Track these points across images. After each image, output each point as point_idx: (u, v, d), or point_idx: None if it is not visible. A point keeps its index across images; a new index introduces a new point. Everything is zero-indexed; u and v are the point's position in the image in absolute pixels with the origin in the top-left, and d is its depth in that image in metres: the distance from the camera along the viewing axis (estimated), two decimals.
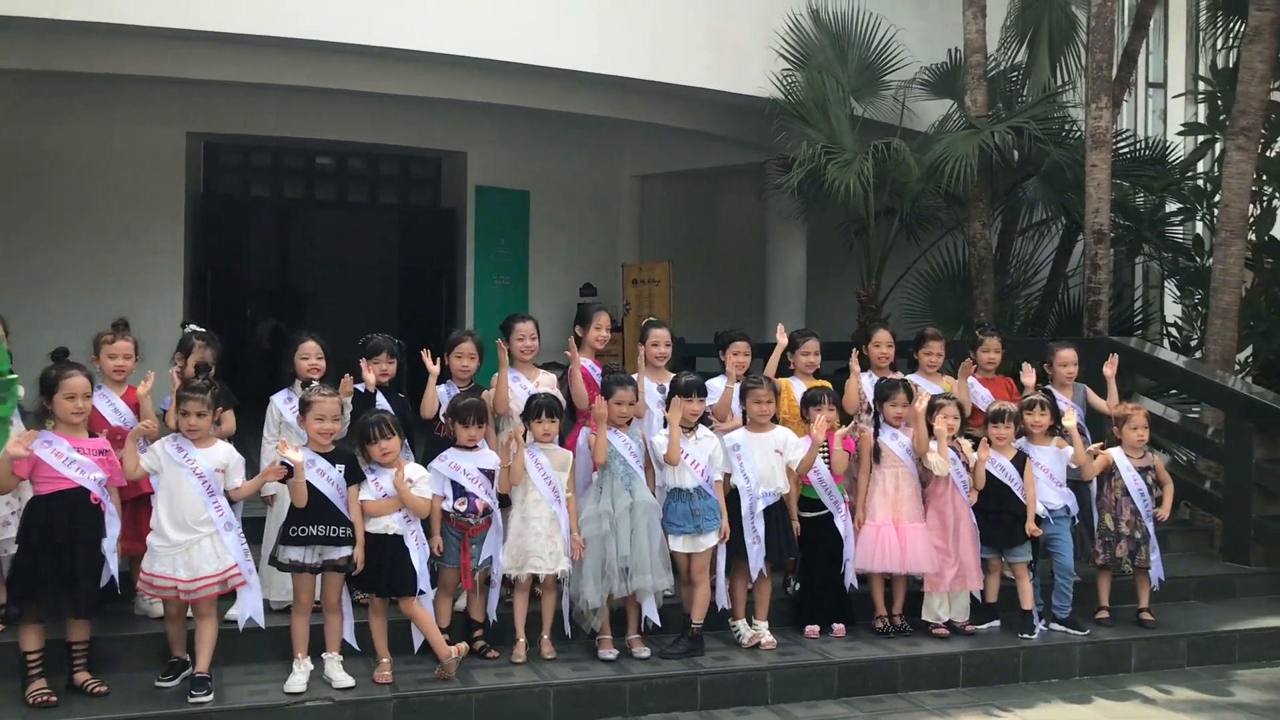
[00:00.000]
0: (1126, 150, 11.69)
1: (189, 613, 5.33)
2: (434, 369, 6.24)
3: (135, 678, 5.40)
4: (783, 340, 7.09)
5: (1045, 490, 6.69)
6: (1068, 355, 7.40)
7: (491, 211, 13.52)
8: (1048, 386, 7.26)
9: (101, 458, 5.20)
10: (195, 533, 5.18)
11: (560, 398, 6.26)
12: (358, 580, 5.50)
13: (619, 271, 13.76)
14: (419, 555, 5.50)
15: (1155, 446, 7.40)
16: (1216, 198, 10.13)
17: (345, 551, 5.37)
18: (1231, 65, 10.41)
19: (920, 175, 10.52)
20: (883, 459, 6.62)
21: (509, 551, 5.88)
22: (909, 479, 6.61)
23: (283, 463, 5.29)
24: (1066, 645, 6.54)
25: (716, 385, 6.69)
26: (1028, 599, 6.59)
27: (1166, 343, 11.45)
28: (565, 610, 6.06)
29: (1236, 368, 9.61)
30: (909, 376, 7.15)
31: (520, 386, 6.39)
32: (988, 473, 6.57)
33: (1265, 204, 10.49)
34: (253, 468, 5.70)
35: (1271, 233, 10.57)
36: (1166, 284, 12.18)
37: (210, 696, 5.14)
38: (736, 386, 6.58)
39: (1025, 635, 6.52)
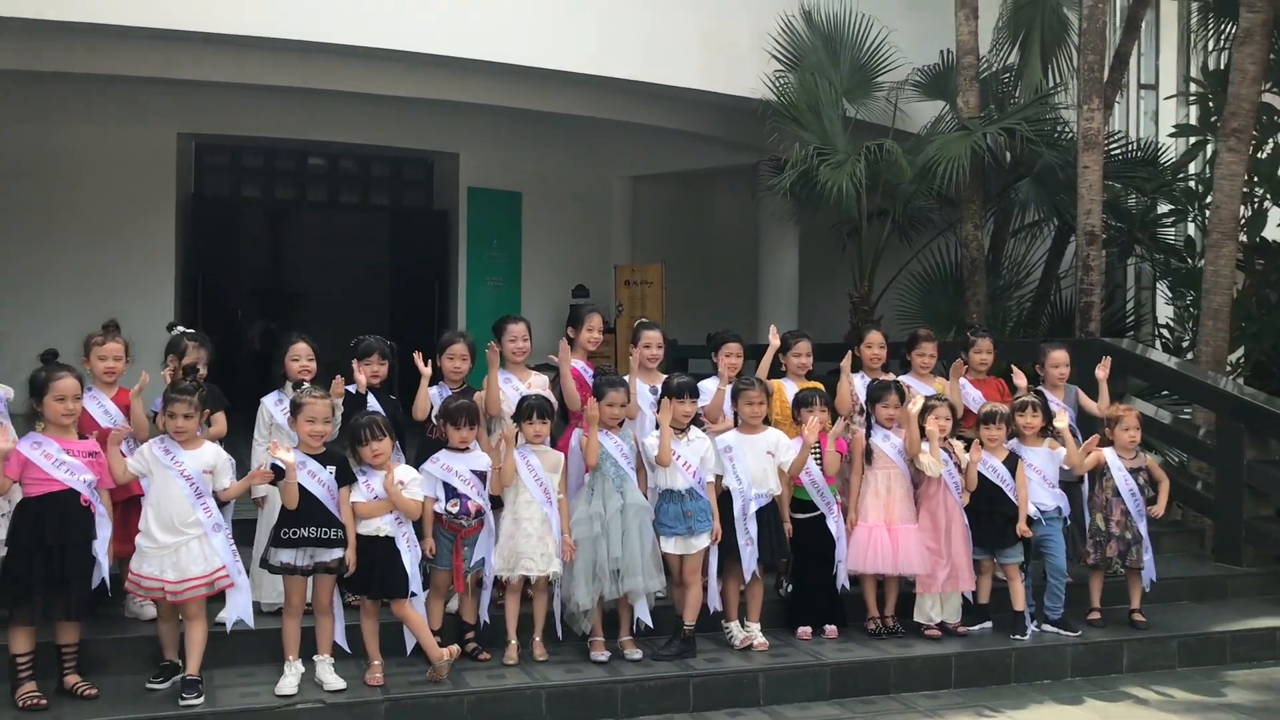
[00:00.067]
0: (1118, 152, 11.72)
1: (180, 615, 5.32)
2: (425, 370, 6.23)
3: (126, 680, 5.38)
4: (775, 342, 7.09)
5: (1037, 491, 6.69)
6: (1059, 356, 7.41)
7: (483, 213, 13.52)
8: (1039, 388, 7.27)
9: (91, 459, 5.18)
10: (183, 535, 5.16)
11: (552, 399, 6.26)
12: (349, 582, 5.48)
13: (611, 273, 13.76)
14: (410, 557, 5.49)
15: (1147, 448, 7.41)
16: (1208, 199, 10.14)
17: (336, 553, 5.36)
18: (1222, 67, 10.43)
19: (913, 176, 10.53)
20: (875, 460, 6.62)
21: (500, 553, 5.87)
22: (901, 480, 6.61)
23: (273, 465, 5.28)
24: (1058, 646, 6.54)
25: (708, 387, 6.69)
26: (1019, 600, 6.59)
27: (1158, 344, 11.47)
28: (557, 612, 6.06)
29: (1228, 369, 9.63)
30: (901, 378, 7.16)
31: (512, 388, 6.38)
32: (980, 474, 6.57)
33: (1256, 205, 10.50)
34: (244, 469, 5.69)
35: (1263, 234, 10.59)
36: (1158, 285, 12.20)
37: (201, 699, 5.12)
38: (728, 388, 6.57)
39: (1017, 636, 6.52)
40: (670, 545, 6.03)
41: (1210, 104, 10.74)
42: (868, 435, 6.67)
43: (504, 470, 5.83)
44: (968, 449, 6.61)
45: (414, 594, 5.51)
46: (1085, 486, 7.16)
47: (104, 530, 5.19)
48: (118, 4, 8.50)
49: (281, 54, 9.50)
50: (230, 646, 5.59)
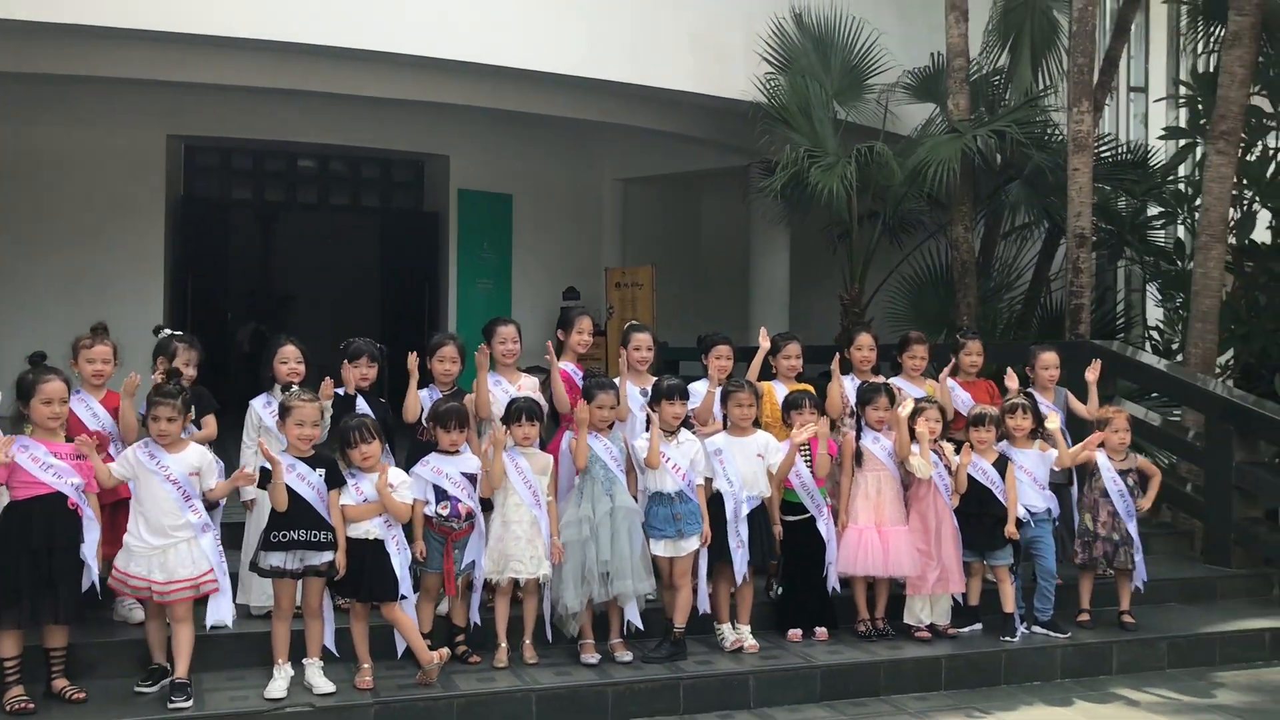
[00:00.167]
0: (1108, 154, 11.74)
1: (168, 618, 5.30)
2: (415, 371, 6.20)
3: (114, 684, 5.36)
4: (765, 344, 7.09)
5: (1027, 493, 6.70)
6: (1049, 358, 7.43)
7: (474, 215, 13.51)
8: (1029, 390, 7.28)
9: (79, 463, 5.16)
10: (172, 538, 5.17)
11: (541, 401, 6.26)
12: (339, 585, 5.47)
13: (602, 275, 13.75)
14: (400, 560, 5.47)
15: (1137, 449, 7.42)
16: (1197, 202, 10.17)
17: (326, 556, 5.34)
18: (1212, 70, 10.46)
19: (903, 179, 10.54)
20: (865, 462, 6.63)
21: (490, 556, 5.86)
22: (891, 482, 6.62)
23: (261, 468, 5.26)
24: (1048, 648, 6.55)
25: (698, 389, 6.69)
26: (1009, 602, 6.60)
27: (1148, 346, 11.49)
28: (547, 615, 6.04)
29: (1217, 371, 9.65)
30: (892, 380, 7.17)
31: (502, 390, 6.37)
32: (969, 476, 6.58)
33: (1245, 208, 10.53)
34: (232, 472, 5.66)
35: (1252, 236, 10.62)
36: (1148, 287, 12.22)
37: (190, 703, 5.10)
38: (718, 390, 6.57)
39: (1007, 638, 6.53)
40: (660, 548, 6.03)
41: (1199, 107, 10.77)
42: (858, 437, 6.67)
43: (493, 473, 5.82)
44: (958, 451, 6.62)
45: (404, 597, 5.50)
46: (1075, 488, 7.18)
47: (92, 533, 5.17)
48: (107, 5, 8.48)
49: (271, 55, 9.48)
50: (220, 650, 5.59)
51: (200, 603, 5.32)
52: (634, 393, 6.49)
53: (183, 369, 5.96)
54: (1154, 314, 12.21)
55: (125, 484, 5.32)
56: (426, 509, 5.71)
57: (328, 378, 6.03)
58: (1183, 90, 11.62)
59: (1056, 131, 11.14)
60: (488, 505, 5.92)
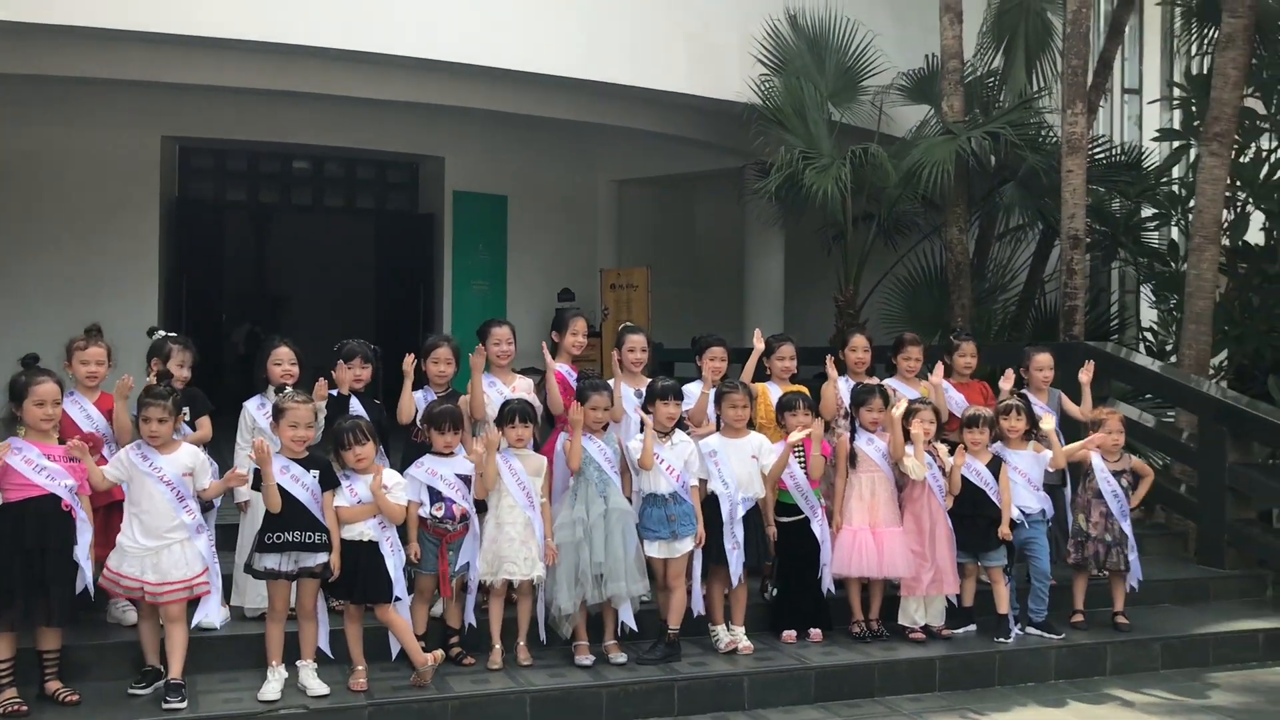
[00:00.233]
0: (1102, 156, 11.77)
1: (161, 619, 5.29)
2: (410, 373, 6.20)
3: (107, 687, 5.36)
4: (759, 345, 7.10)
5: (1021, 494, 6.71)
6: (1044, 359, 7.44)
7: (469, 216, 13.51)
8: (1023, 391, 7.29)
9: (72, 465, 5.16)
10: (166, 539, 5.17)
11: (536, 403, 6.25)
12: (333, 587, 5.47)
13: (597, 276, 13.76)
14: (394, 562, 5.47)
15: (1131, 451, 7.43)
16: (1191, 203, 10.18)
17: (321, 558, 5.34)
18: (1205, 71, 10.48)
19: (897, 180, 10.55)
20: (859, 464, 6.63)
21: (484, 557, 5.85)
22: (885, 484, 6.62)
23: (255, 470, 5.26)
24: (1042, 649, 6.56)
25: (692, 390, 6.69)
26: (1003, 603, 6.61)
27: (1142, 347, 11.52)
28: (541, 616, 6.04)
29: (1211, 372, 9.67)
30: (887, 381, 7.17)
31: (497, 391, 6.37)
32: (963, 477, 6.59)
33: (1239, 209, 10.55)
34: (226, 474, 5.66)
35: (1245, 238, 10.64)
36: (1142, 289, 12.25)
37: (184, 704, 5.10)
38: (712, 392, 6.57)
39: (1001, 639, 6.53)
40: (654, 549, 6.03)
41: (1193, 108, 10.79)
42: (852, 439, 6.68)
43: (486, 475, 5.82)
44: (952, 452, 6.63)
45: (398, 599, 5.49)
46: (1068, 489, 7.19)
47: (85, 535, 5.16)
48: (101, 6, 8.46)
49: (266, 57, 9.47)
50: (213, 651, 5.59)
51: (192, 603, 5.31)
52: (628, 394, 6.49)
53: (177, 370, 5.96)
54: (1148, 315, 12.24)
55: (119, 486, 5.31)
56: (421, 510, 5.71)
57: (321, 379, 6.03)
58: (1176, 92, 11.65)
59: (1051, 133, 11.17)
60: (482, 507, 5.92)
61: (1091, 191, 10.43)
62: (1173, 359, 10.25)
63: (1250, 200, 10.50)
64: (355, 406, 6.09)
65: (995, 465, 6.67)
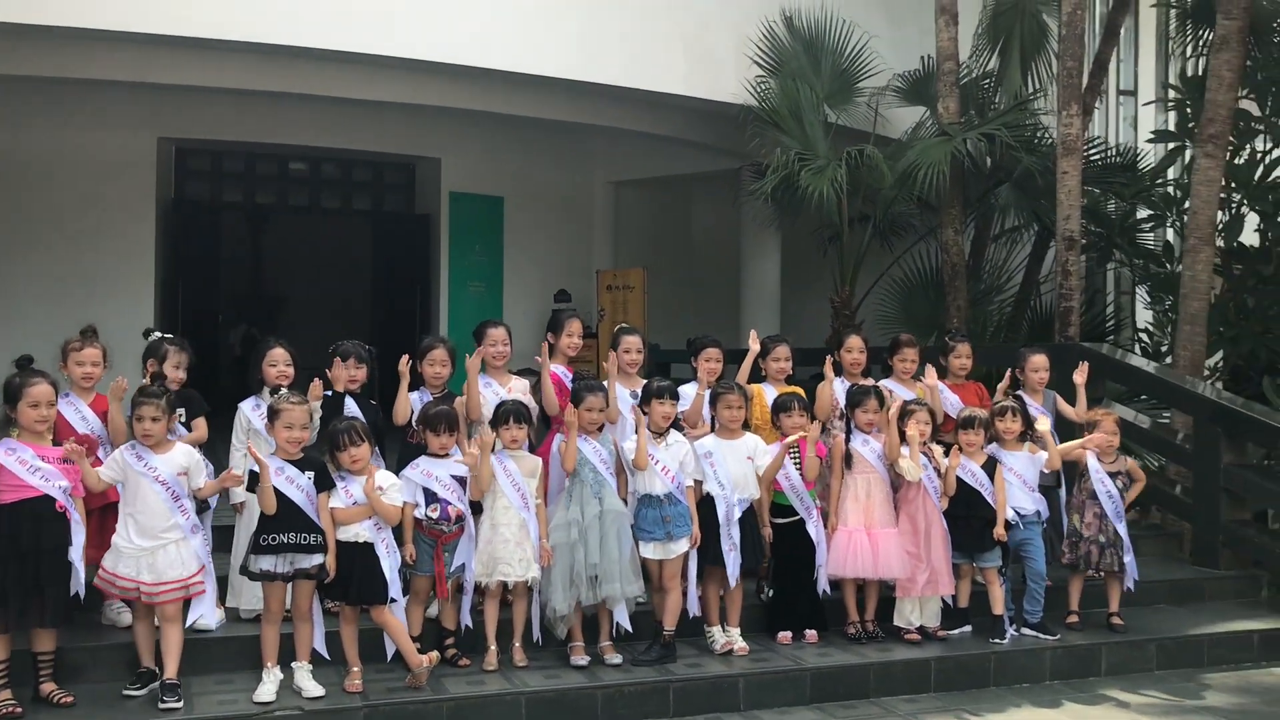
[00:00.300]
0: (1097, 157, 11.78)
1: (156, 620, 5.29)
2: (405, 374, 6.20)
3: (102, 688, 5.35)
4: (755, 347, 7.10)
5: (1017, 495, 6.72)
6: (1039, 361, 7.45)
7: (466, 217, 13.51)
8: (1019, 392, 7.30)
9: (66, 466, 5.16)
10: (161, 539, 5.17)
11: (531, 404, 6.25)
12: (328, 588, 5.46)
13: (593, 277, 13.76)
14: (390, 563, 5.47)
15: (1126, 452, 7.45)
16: (1186, 204, 10.20)
17: (316, 559, 5.34)
18: (1200, 73, 10.50)
19: (893, 182, 10.56)
20: (854, 465, 6.63)
21: (479, 558, 5.85)
22: (881, 485, 6.62)
23: (250, 471, 5.26)
24: (1037, 650, 6.57)
25: (688, 392, 6.70)
26: (998, 604, 6.61)
27: (1138, 348, 11.53)
28: (536, 617, 6.04)
29: (1206, 373, 9.68)
30: (883, 382, 7.18)
31: (492, 393, 6.38)
32: (959, 478, 6.59)
33: (1234, 211, 10.57)
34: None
35: (1240, 239, 10.66)
36: (1137, 290, 12.26)
37: (181, 703, 5.10)
38: (707, 393, 6.58)
39: (996, 640, 6.54)
40: (649, 550, 6.03)
41: (1188, 110, 10.81)
42: (847, 440, 6.68)
43: (481, 476, 5.82)
44: (947, 454, 6.64)
45: (394, 600, 5.49)
46: (1063, 490, 7.20)
47: (79, 537, 5.16)
48: (96, 7, 8.46)
49: (262, 58, 9.47)
50: (208, 653, 5.59)
51: (187, 604, 5.31)
52: (624, 395, 6.50)
53: (173, 372, 5.97)
54: (1143, 316, 12.25)
55: (114, 487, 5.31)
56: (416, 512, 5.71)
57: (317, 379, 6.02)
58: (1171, 94, 11.68)
59: (1046, 135, 11.18)
60: (477, 508, 5.92)
61: (1087, 193, 10.45)
62: (1168, 360, 10.27)
63: (1245, 202, 10.52)
64: (351, 407, 6.09)
65: (990, 466, 6.67)
